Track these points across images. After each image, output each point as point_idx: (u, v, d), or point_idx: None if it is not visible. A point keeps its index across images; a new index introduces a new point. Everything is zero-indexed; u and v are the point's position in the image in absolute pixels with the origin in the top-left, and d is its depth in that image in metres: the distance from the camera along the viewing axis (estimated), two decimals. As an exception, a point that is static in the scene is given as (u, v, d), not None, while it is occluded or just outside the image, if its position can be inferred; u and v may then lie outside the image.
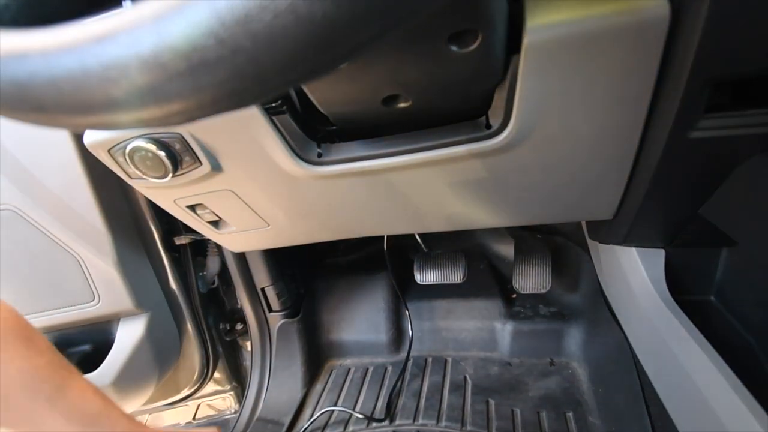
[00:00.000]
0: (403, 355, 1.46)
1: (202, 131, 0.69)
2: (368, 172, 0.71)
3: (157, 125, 0.28)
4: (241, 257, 1.37)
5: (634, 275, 0.87)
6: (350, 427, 1.23)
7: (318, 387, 1.43)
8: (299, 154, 0.71)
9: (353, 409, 1.28)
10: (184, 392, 1.51)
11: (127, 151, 0.70)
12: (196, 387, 1.50)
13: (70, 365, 0.70)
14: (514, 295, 1.46)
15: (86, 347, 1.33)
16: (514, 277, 1.30)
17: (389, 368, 1.41)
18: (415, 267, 1.41)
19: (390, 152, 0.68)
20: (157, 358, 1.29)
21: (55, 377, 0.66)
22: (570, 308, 1.35)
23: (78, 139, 1.01)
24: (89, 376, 1.20)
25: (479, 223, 0.88)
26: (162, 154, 0.70)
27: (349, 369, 1.46)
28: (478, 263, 1.55)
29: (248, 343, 1.53)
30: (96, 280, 1.15)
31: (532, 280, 1.28)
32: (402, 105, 0.60)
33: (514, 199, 0.78)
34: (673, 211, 0.73)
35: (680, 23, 0.49)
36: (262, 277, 1.40)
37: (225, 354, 1.52)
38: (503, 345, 1.38)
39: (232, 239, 1.01)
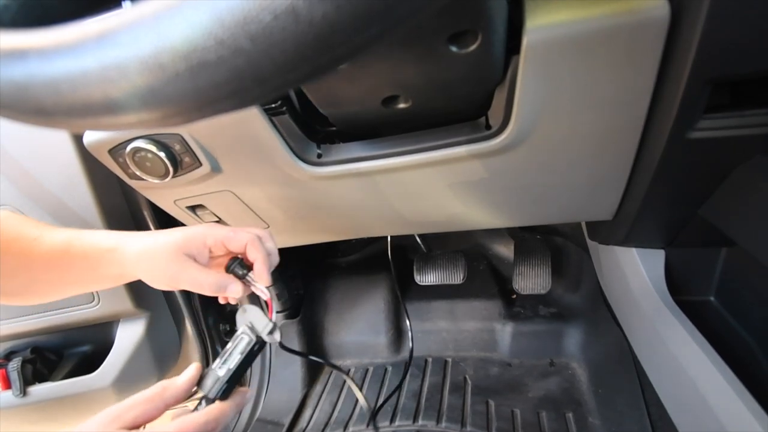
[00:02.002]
0: (403, 355, 1.46)
1: (202, 132, 0.69)
2: (368, 172, 0.71)
3: (156, 126, 0.28)
4: (241, 258, 1.37)
5: (633, 276, 0.87)
6: (350, 428, 1.23)
7: (318, 388, 1.43)
8: (299, 154, 0.71)
9: (353, 410, 1.28)
10: (184, 393, 1.51)
11: (127, 151, 0.70)
12: (196, 387, 1.50)
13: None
14: (514, 296, 1.46)
15: (86, 348, 1.33)
16: (514, 277, 1.31)
17: (389, 369, 1.41)
18: (414, 268, 1.41)
19: (390, 153, 0.68)
20: (157, 359, 1.28)
21: None
22: (570, 309, 1.35)
23: (78, 139, 1.01)
24: (88, 378, 1.20)
25: (479, 224, 0.88)
26: (162, 154, 0.70)
27: (349, 370, 1.46)
28: (478, 264, 1.55)
29: (248, 344, 1.52)
30: (96, 280, 1.15)
31: (532, 280, 1.28)
32: (402, 106, 0.60)
33: (513, 199, 0.78)
34: (673, 211, 0.73)
35: (680, 24, 0.49)
36: (262, 278, 1.40)
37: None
38: (503, 345, 1.38)
39: (231, 240, 1.01)
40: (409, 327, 1.49)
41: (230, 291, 0.64)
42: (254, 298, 1.33)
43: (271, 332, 0.62)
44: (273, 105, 0.65)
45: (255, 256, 0.65)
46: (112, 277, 0.67)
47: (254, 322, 0.63)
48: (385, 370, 1.40)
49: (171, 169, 0.72)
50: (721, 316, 0.83)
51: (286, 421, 1.32)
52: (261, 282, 0.65)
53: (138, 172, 0.73)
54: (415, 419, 1.20)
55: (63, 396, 1.21)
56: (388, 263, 1.50)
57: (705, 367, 0.67)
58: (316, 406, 1.36)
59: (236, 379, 0.60)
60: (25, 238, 0.65)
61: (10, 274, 0.64)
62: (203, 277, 0.63)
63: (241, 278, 0.65)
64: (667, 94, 0.55)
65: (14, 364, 1.20)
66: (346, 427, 1.23)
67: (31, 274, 0.65)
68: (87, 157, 1.03)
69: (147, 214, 1.22)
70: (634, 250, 0.86)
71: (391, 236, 1.47)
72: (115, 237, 0.67)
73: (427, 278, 1.39)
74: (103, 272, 0.66)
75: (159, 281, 0.64)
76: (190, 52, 0.23)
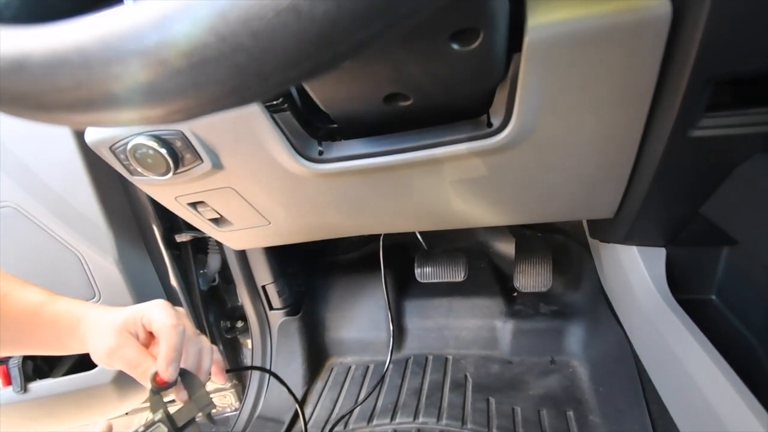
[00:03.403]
0: (404, 353, 1.46)
1: (203, 129, 0.69)
2: (369, 170, 0.71)
3: (158, 122, 0.28)
4: (242, 255, 1.37)
5: (635, 274, 0.87)
6: (351, 426, 1.23)
7: (319, 385, 1.43)
8: (300, 151, 0.71)
9: (354, 407, 1.28)
10: (185, 390, 1.51)
11: (129, 148, 0.70)
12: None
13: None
14: (515, 294, 1.45)
15: (87, 345, 1.34)
16: (514, 275, 1.30)
17: (390, 366, 1.41)
18: (415, 265, 1.41)
19: (391, 150, 0.68)
20: (158, 356, 1.29)
21: None
22: (571, 307, 1.35)
23: (79, 136, 1.01)
24: (88, 374, 1.20)
25: (480, 222, 0.88)
26: (163, 151, 0.70)
27: (350, 367, 1.46)
28: (479, 262, 1.54)
29: (249, 341, 1.52)
30: (97, 277, 1.15)
31: (532, 278, 1.28)
32: (403, 103, 0.60)
33: (515, 197, 0.78)
34: (674, 209, 0.73)
35: (682, 22, 0.49)
36: (262, 275, 1.40)
37: (225, 352, 1.52)
38: (504, 343, 1.38)
39: (232, 237, 1.01)
40: (409, 324, 1.50)
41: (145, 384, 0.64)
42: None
43: (208, 413, 0.63)
44: (274, 102, 0.65)
45: (161, 347, 0.63)
46: (74, 348, 0.68)
47: (191, 392, 0.64)
48: (386, 367, 1.40)
49: (172, 166, 0.72)
50: (722, 315, 0.83)
51: (287, 418, 1.32)
52: (163, 376, 0.62)
53: (139, 169, 0.73)
54: (415, 417, 1.20)
55: (64, 392, 1.21)
56: (389, 261, 1.50)
57: (706, 365, 0.67)
58: (316, 404, 1.36)
59: None
60: None
61: None
62: (137, 360, 0.63)
63: (151, 392, 0.63)
64: (669, 92, 0.55)
65: (15, 361, 1.20)
66: (347, 424, 1.24)
67: None
68: (88, 154, 1.03)
69: (148, 211, 1.23)
70: (635, 248, 0.86)
71: (389, 234, 1.47)
72: (82, 309, 0.68)
73: (428, 276, 1.39)
74: (67, 342, 0.68)
75: (98, 355, 0.65)
76: (192, 48, 0.23)
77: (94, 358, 0.65)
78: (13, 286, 0.68)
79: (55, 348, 0.69)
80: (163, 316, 0.64)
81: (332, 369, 1.48)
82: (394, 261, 1.53)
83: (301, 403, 1.37)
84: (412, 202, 0.81)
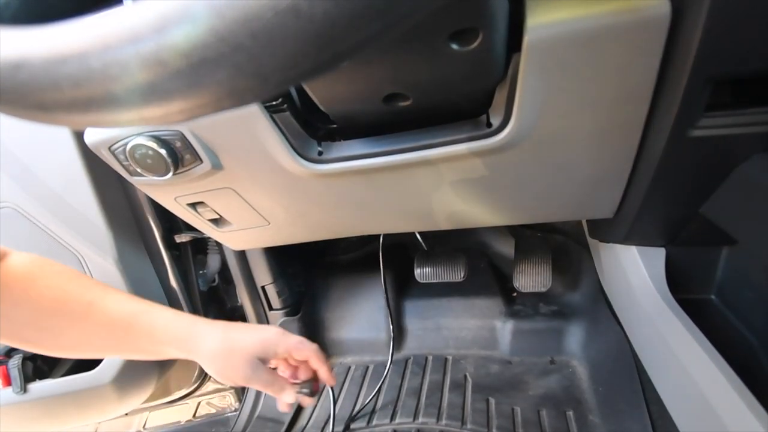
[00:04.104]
0: (403, 353, 1.46)
1: (202, 129, 0.69)
2: (368, 170, 0.71)
3: (157, 123, 0.28)
4: (242, 255, 1.37)
5: (634, 274, 0.87)
6: (351, 426, 1.23)
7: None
8: (300, 152, 0.71)
9: (354, 407, 1.28)
10: (184, 390, 1.51)
11: (128, 148, 0.70)
12: (196, 385, 1.50)
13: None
14: (515, 294, 1.45)
15: (87, 345, 1.33)
16: (514, 275, 1.30)
17: (390, 366, 1.40)
18: (415, 265, 1.41)
19: (390, 150, 0.68)
20: (158, 356, 1.29)
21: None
22: (570, 307, 1.35)
23: (79, 137, 1.01)
24: (88, 375, 1.20)
25: (480, 222, 0.88)
26: (163, 151, 0.70)
27: (350, 367, 1.46)
28: (479, 262, 1.54)
29: (249, 342, 1.52)
30: (96, 277, 1.15)
31: (532, 278, 1.28)
32: (403, 103, 0.60)
33: (514, 197, 0.78)
34: (674, 209, 0.73)
35: (681, 22, 0.49)
36: (262, 275, 1.40)
37: (225, 352, 1.52)
38: (503, 343, 1.37)
39: (232, 237, 1.01)
40: (408, 325, 1.49)
41: (285, 398, 0.76)
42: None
43: None
44: (274, 102, 0.65)
45: (319, 367, 0.81)
46: (173, 356, 0.72)
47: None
48: (386, 367, 1.40)
49: (171, 167, 0.72)
50: (721, 315, 0.83)
51: (287, 418, 1.32)
52: (330, 383, 0.83)
53: (139, 170, 0.73)
54: (415, 417, 1.20)
55: (63, 393, 1.21)
56: (389, 261, 1.50)
57: (705, 365, 0.67)
58: (317, 404, 1.36)
59: None
60: (78, 302, 0.66)
61: (60, 333, 0.65)
62: (272, 380, 0.74)
63: (308, 395, 0.80)
64: (668, 92, 0.55)
65: (15, 361, 1.20)
66: (347, 425, 1.24)
67: (86, 337, 0.67)
68: (88, 154, 1.03)
69: (148, 212, 1.23)
70: (634, 248, 0.86)
71: (389, 234, 1.47)
72: (187, 325, 0.72)
73: (427, 276, 1.39)
74: (164, 351, 0.71)
75: (231, 380, 0.71)
76: (191, 49, 0.23)
77: (221, 380, 0.72)
78: (96, 292, 0.68)
79: (151, 355, 0.72)
80: (307, 349, 0.79)
81: (332, 369, 1.48)
82: (394, 261, 1.53)
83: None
84: (411, 202, 0.81)
